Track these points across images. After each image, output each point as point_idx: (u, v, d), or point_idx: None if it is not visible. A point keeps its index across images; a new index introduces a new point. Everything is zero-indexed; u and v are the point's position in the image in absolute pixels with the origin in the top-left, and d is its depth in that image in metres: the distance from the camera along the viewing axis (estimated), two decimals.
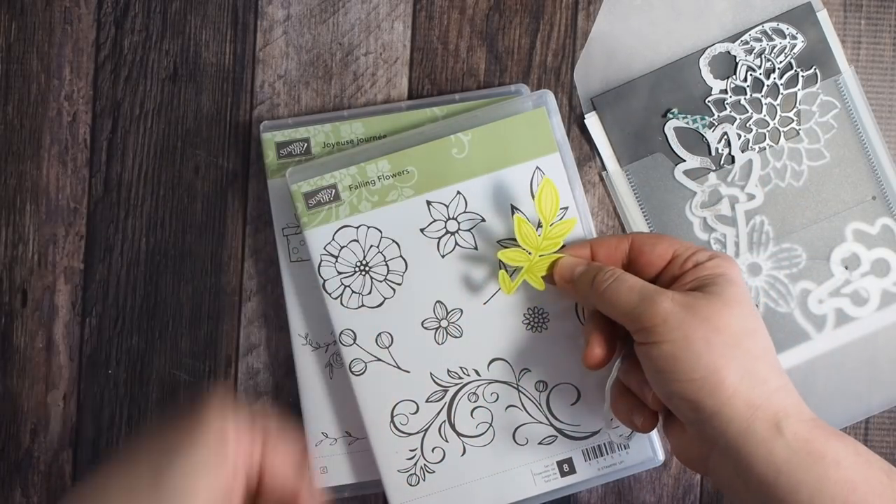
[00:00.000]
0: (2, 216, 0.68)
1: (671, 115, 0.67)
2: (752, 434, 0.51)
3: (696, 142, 0.67)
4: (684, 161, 0.67)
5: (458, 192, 0.64)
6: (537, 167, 0.64)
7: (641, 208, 0.67)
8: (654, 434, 0.65)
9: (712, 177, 0.67)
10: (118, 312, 0.68)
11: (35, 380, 0.68)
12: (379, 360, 0.65)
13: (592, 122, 0.67)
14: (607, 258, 0.61)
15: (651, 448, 0.66)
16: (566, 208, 0.64)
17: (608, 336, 0.59)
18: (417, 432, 0.65)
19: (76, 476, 0.68)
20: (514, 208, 0.64)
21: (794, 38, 0.67)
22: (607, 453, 0.65)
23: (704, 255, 0.58)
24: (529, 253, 0.61)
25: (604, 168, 0.68)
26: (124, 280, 0.68)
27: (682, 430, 0.56)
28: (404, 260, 0.64)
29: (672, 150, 0.67)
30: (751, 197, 0.67)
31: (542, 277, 0.62)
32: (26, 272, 0.68)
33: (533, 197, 0.64)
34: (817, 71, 0.67)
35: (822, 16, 0.67)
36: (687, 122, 0.67)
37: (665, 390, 0.54)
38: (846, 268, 0.67)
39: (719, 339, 0.53)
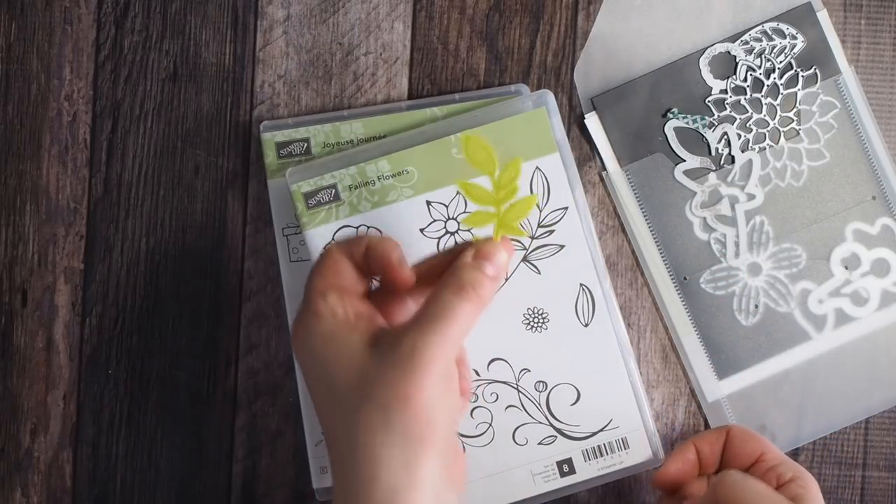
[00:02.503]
0: (2, 216, 0.68)
1: (671, 115, 0.67)
2: None
3: (696, 142, 0.67)
4: (684, 161, 0.67)
5: (458, 193, 0.64)
6: (537, 167, 0.64)
7: (641, 208, 0.67)
8: (655, 435, 0.65)
9: (712, 177, 0.67)
10: (118, 312, 0.68)
11: (35, 380, 0.68)
12: None
13: (592, 121, 0.67)
14: (710, 455, 0.62)
15: (651, 449, 0.66)
16: (566, 208, 0.65)
17: (691, 467, 0.63)
18: None
19: (76, 476, 0.68)
20: None
21: (794, 38, 0.67)
22: (607, 453, 0.65)
23: (787, 472, 0.59)
24: (492, 210, 0.62)
25: (604, 168, 0.68)
26: (124, 280, 0.68)
27: None
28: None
29: (672, 150, 0.67)
30: (751, 197, 0.67)
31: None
32: (26, 272, 0.68)
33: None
34: (817, 71, 0.67)
35: (822, 16, 0.67)
36: (687, 122, 0.67)
37: None
38: (846, 268, 0.67)
39: None
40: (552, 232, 0.65)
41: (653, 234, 0.67)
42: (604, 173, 0.68)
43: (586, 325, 0.65)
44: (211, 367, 0.68)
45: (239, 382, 0.68)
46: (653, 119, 0.67)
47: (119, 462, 0.68)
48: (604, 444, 0.65)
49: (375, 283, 0.57)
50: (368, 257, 0.54)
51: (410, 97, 0.68)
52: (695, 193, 0.67)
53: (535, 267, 0.65)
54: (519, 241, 0.65)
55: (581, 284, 0.65)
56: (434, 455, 0.50)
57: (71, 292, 0.68)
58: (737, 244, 0.67)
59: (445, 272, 0.54)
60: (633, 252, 0.67)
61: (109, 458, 0.68)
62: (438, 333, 0.50)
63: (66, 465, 0.68)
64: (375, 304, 0.56)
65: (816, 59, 0.67)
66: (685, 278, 0.67)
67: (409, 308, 0.57)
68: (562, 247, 0.65)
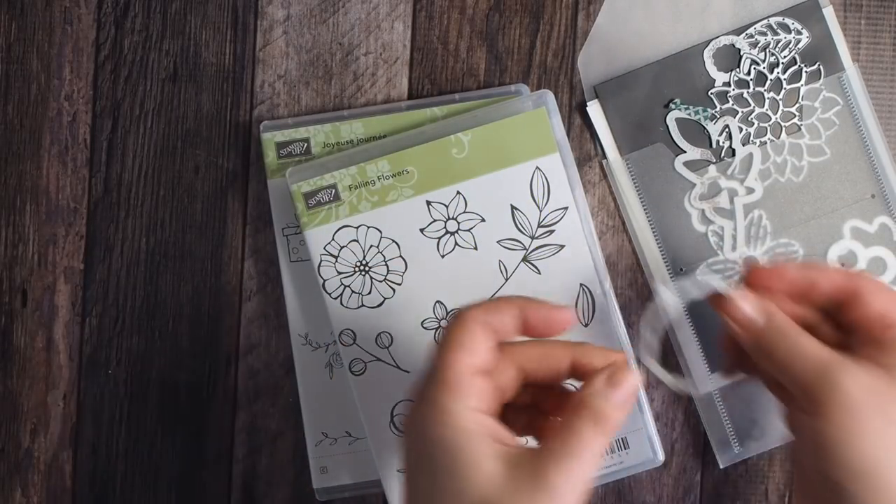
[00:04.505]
0: (2, 216, 0.68)
1: (673, 106, 0.67)
2: None
3: (697, 133, 0.67)
4: (685, 152, 0.67)
5: (458, 192, 0.64)
6: (537, 167, 0.64)
7: (640, 198, 0.67)
8: (655, 435, 0.65)
9: (712, 169, 0.67)
10: (118, 312, 0.68)
11: (35, 380, 0.68)
12: (379, 360, 0.65)
13: (594, 109, 0.67)
14: (825, 294, 0.55)
15: (651, 448, 0.66)
16: (566, 208, 0.65)
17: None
18: None
19: (76, 476, 0.68)
20: (513, 208, 0.64)
21: (798, 33, 0.67)
22: (607, 453, 0.65)
23: None
24: None
25: (604, 156, 0.67)
26: (124, 280, 0.68)
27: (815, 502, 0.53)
28: (404, 260, 0.64)
29: (673, 140, 0.67)
30: (750, 191, 0.67)
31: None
32: (26, 272, 0.68)
33: (532, 197, 0.64)
34: (821, 67, 0.67)
35: (828, 12, 0.67)
36: (689, 114, 0.67)
37: (815, 465, 0.51)
38: (843, 265, 0.67)
39: (892, 432, 0.49)
40: (552, 232, 0.65)
41: (651, 225, 0.67)
42: (604, 161, 0.67)
43: (586, 325, 0.65)
44: (211, 367, 0.68)
45: (239, 382, 0.68)
46: (655, 109, 0.67)
47: (119, 462, 0.68)
48: None
49: None
50: (527, 313, 0.50)
51: (410, 97, 0.68)
52: (694, 185, 0.67)
53: (535, 267, 0.65)
54: (519, 243, 0.65)
55: (581, 284, 0.65)
56: None
57: (71, 292, 0.68)
58: (734, 237, 0.67)
59: (583, 399, 0.49)
60: (633, 251, 0.67)
61: (109, 458, 0.68)
62: (581, 470, 0.47)
63: (66, 465, 0.68)
64: None
65: (820, 56, 0.67)
66: (681, 269, 0.67)
67: (507, 389, 0.53)
68: (562, 247, 0.65)
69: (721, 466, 0.67)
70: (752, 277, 0.55)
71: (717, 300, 0.55)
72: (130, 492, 0.68)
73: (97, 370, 0.68)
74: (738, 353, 0.57)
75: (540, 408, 0.54)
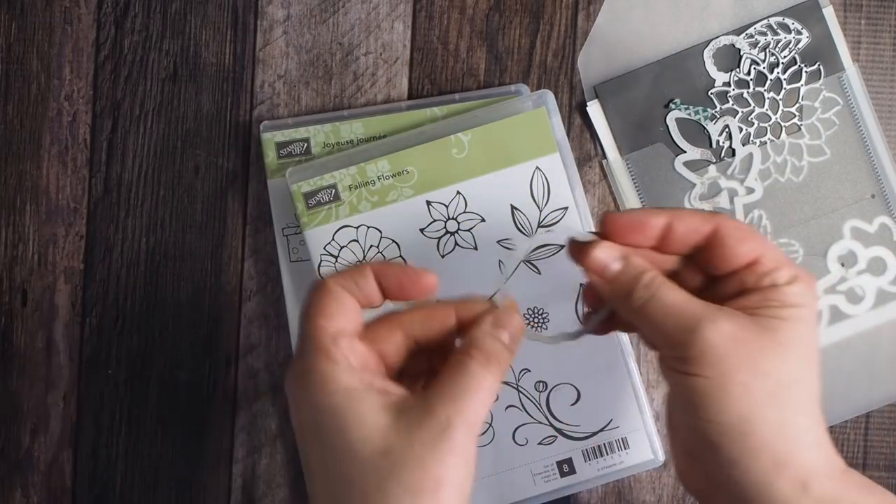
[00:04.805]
0: (2, 216, 0.68)
1: (673, 106, 0.67)
2: (773, 493, 0.46)
3: (697, 133, 0.67)
4: (685, 152, 0.67)
5: (458, 192, 0.64)
6: (537, 167, 0.64)
7: (640, 198, 0.67)
8: (655, 435, 0.65)
9: (712, 169, 0.67)
10: (118, 312, 0.68)
11: (35, 380, 0.68)
12: None
13: (594, 109, 0.67)
14: (683, 237, 0.51)
15: (651, 449, 0.66)
16: (566, 208, 0.65)
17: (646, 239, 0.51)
18: None
19: (76, 476, 0.68)
20: (513, 208, 0.64)
21: (799, 33, 0.67)
22: (607, 454, 0.65)
23: (785, 274, 0.49)
24: None
25: (604, 156, 0.67)
26: (124, 280, 0.68)
27: (692, 459, 0.50)
28: (404, 260, 0.64)
29: (673, 140, 0.67)
30: (750, 191, 0.67)
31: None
32: (26, 272, 0.68)
33: (532, 197, 0.64)
34: (821, 67, 0.67)
35: (828, 12, 0.67)
36: (689, 114, 0.67)
37: (686, 422, 0.49)
38: (842, 265, 0.67)
39: (760, 385, 0.47)
40: (552, 232, 0.65)
41: None
42: (604, 161, 0.67)
43: None
44: (211, 367, 0.68)
45: (239, 382, 0.68)
46: (655, 109, 0.67)
47: (119, 462, 0.68)
48: (604, 444, 0.65)
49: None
50: (381, 277, 0.50)
51: (410, 97, 0.68)
52: (694, 185, 0.67)
53: (535, 267, 0.65)
54: (517, 242, 0.65)
55: (581, 284, 0.65)
56: None
57: (71, 292, 0.68)
58: None
59: (467, 339, 0.49)
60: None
61: (109, 458, 0.68)
62: (470, 408, 0.46)
63: (66, 465, 0.68)
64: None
65: (820, 56, 0.67)
66: None
67: (398, 350, 0.52)
68: (562, 247, 0.65)
69: None
70: (609, 225, 0.52)
71: (574, 249, 0.52)
72: (130, 492, 0.68)
73: (97, 370, 0.68)
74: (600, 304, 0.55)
75: (437, 372, 0.51)
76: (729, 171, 0.67)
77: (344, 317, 0.49)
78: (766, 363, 0.47)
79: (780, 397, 0.47)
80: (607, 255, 0.51)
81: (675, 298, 0.49)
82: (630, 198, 0.67)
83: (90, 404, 0.68)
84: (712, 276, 0.51)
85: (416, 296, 0.50)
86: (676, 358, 0.48)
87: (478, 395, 0.47)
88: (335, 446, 0.47)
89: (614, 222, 0.51)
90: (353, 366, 0.48)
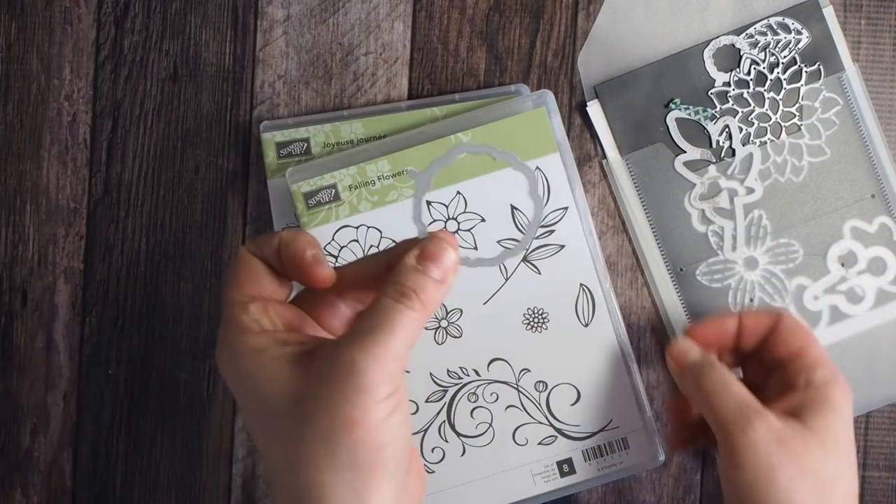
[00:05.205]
0: (2, 216, 0.68)
1: (673, 106, 0.67)
2: None
3: (697, 133, 0.67)
4: (685, 152, 0.67)
5: (458, 192, 0.64)
6: (537, 167, 0.64)
7: (640, 198, 0.67)
8: (655, 435, 0.65)
9: (712, 169, 0.67)
10: (118, 312, 0.68)
11: (35, 380, 0.68)
12: None
13: (594, 109, 0.67)
14: (751, 333, 0.60)
15: (651, 449, 0.66)
16: (566, 208, 0.65)
17: (726, 338, 0.61)
18: (417, 432, 0.65)
19: (76, 476, 0.68)
20: (513, 208, 0.64)
21: (799, 33, 0.67)
22: (607, 454, 0.65)
23: (821, 374, 0.56)
24: None
25: (604, 156, 0.67)
26: (124, 280, 0.68)
27: None
28: None
29: (673, 140, 0.67)
30: (750, 191, 0.67)
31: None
32: (26, 272, 0.68)
33: (532, 197, 0.64)
34: (821, 67, 0.67)
35: (828, 12, 0.67)
36: (689, 114, 0.67)
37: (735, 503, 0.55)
38: (843, 265, 0.67)
39: (804, 481, 0.52)
40: (552, 232, 0.65)
41: (651, 225, 0.67)
42: (604, 161, 0.67)
43: (586, 325, 0.65)
44: (211, 367, 0.68)
45: None
46: (655, 109, 0.67)
47: (119, 462, 0.68)
48: (604, 445, 0.65)
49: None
50: (282, 257, 0.50)
51: (410, 97, 0.68)
52: (694, 185, 0.67)
53: (535, 267, 0.65)
54: (517, 242, 0.65)
55: (581, 284, 0.65)
56: (386, 480, 0.46)
57: (71, 292, 0.68)
58: (734, 237, 0.67)
59: (386, 276, 0.49)
60: (633, 251, 0.67)
61: (109, 458, 0.68)
62: (380, 346, 0.45)
63: (66, 465, 0.68)
64: (306, 311, 0.53)
65: (820, 56, 0.67)
66: (681, 269, 0.67)
67: (341, 313, 0.54)
68: (562, 247, 0.65)
69: None
70: (693, 335, 0.61)
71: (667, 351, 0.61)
72: (130, 492, 0.68)
73: (97, 370, 0.68)
74: (683, 422, 0.62)
75: None
76: (729, 171, 0.67)
77: (255, 283, 0.50)
78: (811, 461, 0.53)
79: (824, 492, 0.52)
80: (686, 347, 0.60)
81: (737, 390, 0.55)
82: (630, 198, 0.67)
83: (90, 404, 0.68)
84: (764, 370, 0.60)
85: (311, 285, 0.50)
86: (728, 448, 0.54)
87: (390, 332, 0.46)
88: (256, 407, 0.48)
89: (697, 333, 0.61)
90: (266, 328, 0.49)
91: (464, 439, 0.65)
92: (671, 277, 0.67)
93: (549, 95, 0.65)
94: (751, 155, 0.67)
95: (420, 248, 0.49)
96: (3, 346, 0.68)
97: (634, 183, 0.67)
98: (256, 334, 0.48)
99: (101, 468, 0.68)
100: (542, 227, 0.65)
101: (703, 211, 0.67)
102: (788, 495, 0.52)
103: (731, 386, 0.56)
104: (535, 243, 0.65)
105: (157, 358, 0.68)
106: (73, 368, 0.68)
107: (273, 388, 0.47)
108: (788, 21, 0.67)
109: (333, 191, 0.64)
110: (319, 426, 0.45)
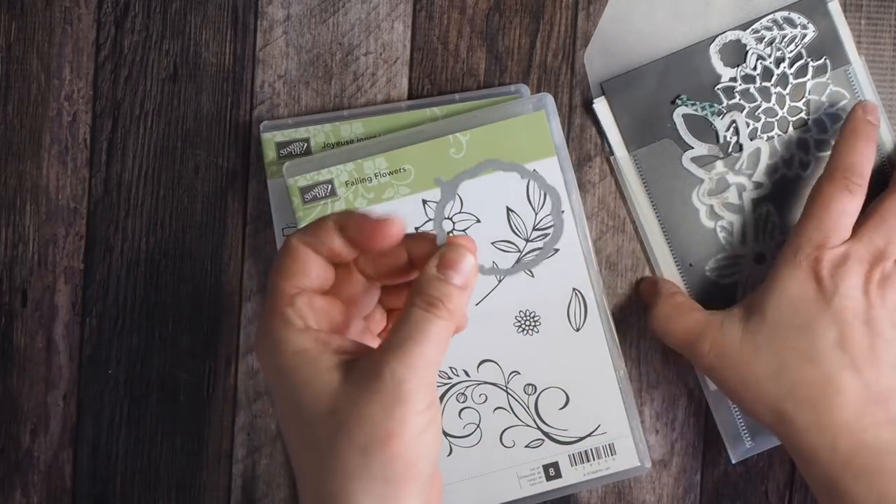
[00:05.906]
0: (2, 216, 0.68)
1: (680, 102, 0.67)
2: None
3: (704, 129, 0.67)
4: (692, 148, 0.67)
5: (455, 193, 0.64)
6: (534, 170, 0.64)
7: (648, 195, 0.67)
8: (642, 442, 0.65)
9: (720, 164, 0.67)
10: (118, 312, 0.68)
11: (35, 380, 0.68)
12: None
13: (601, 106, 0.67)
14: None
15: (638, 456, 0.65)
16: (562, 212, 0.64)
17: None
18: None
19: (76, 476, 0.68)
20: (509, 210, 0.64)
21: (804, 27, 0.67)
22: (593, 459, 0.65)
23: None
24: None
25: (612, 153, 0.67)
26: (124, 280, 0.68)
27: None
28: None
29: (680, 136, 0.67)
30: (758, 185, 0.67)
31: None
32: (26, 272, 0.68)
33: (529, 200, 0.64)
34: (827, 61, 0.67)
35: (834, 6, 0.67)
36: (696, 110, 0.67)
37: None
38: None
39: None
40: (547, 235, 0.65)
41: (659, 221, 0.67)
42: (612, 158, 0.67)
43: (578, 330, 0.65)
44: (211, 367, 0.68)
45: (239, 382, 0.68)
46: (661, 105, 0.67)
47: (119, 462, 0.68)
48: (591, 450, 0.65)
49: None
50: (346, 227, 0.50)
51: (410, 97, 0.68)
52: (702, 181, 0.67)
53: (529, 270, 0.65)
54: (513, 245, 0.65)
55: (574, 289, 0.65)
56: (414, 494, 0.47)
57: (71, 292, 0.68)
58: (743, 232, 0.67)
59: (412, 287, 0.50)
60: (635, 250, 0.67)
61: (109, 458, 0.68)
62: (416, 355, 0.47)
63: (66, 465, 0.68)
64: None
65: (826, 50, 0.67)
66: (690, 265, 0.67)
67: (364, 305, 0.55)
68: (556, 251, 0.65)
69: (733, 462, 0.67)
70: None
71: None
72: (130, 492, 0.68)
73: (97, 370, 0.68)
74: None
75: None
76: (737, 167, 0.67)
77: (305, 275, 0.50)
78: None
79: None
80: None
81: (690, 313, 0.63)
82: (638, 194, 0.67)
83: (90, 404, 0.68)
84: None
85: (383, 245, 0.50)
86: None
87: (423, 341, 0.47)
88: (290, 409, 0.49)
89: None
90: (310, 326, 0.49)
91: (451, 439, 0.65)
92: (680, 273, 0.67)
93: (548, 98, 0.65)
94: (758, 150, 0.67)
95: (440, 257, 0.50)
96: (3, 346, 0.68)
97: (642, 179, 0.67)
98: (298, 331, 0.49)
99: (101, 468, 0.68)
100: (537, 230, 0.65)
101: (711, 206, 0.67)
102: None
103: (683, 309, 0.64)
104: (530, 246, 0.65)
105: (157, 358, 0.68)
106: (73, 368, 0.68)
107: (310, 394, 0.47)
108: (794, 15, 0.67)
109: (330, 186, 0.64)
110: (356, 437, 0.46)
